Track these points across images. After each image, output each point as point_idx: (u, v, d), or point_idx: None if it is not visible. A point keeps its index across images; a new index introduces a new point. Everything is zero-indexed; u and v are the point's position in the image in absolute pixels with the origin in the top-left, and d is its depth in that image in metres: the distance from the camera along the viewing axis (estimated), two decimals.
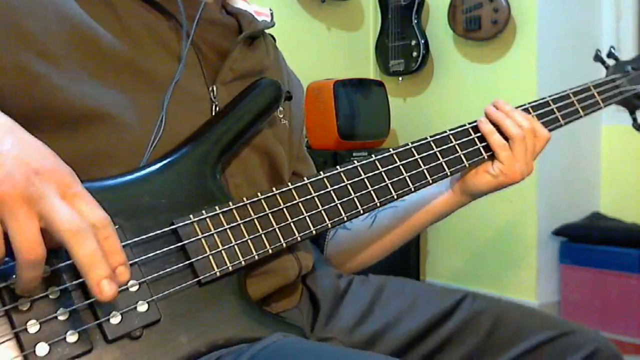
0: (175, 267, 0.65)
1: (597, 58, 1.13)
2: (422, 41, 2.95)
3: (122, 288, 0.61)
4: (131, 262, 0.62)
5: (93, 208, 0.53)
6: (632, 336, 2.45)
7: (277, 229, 0.71)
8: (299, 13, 2.99)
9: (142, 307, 0.61)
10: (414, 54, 2.97)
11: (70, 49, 0.68)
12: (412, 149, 0.83)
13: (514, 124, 0.89)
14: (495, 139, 0.89)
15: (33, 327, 0.56)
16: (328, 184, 0.76)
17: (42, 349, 0.55)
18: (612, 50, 1.14)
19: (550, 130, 0.93)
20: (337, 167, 0.78)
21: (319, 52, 3.05)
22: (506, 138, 0.89)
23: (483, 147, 0.89)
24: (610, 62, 1.13)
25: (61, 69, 0.67)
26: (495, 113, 0.90)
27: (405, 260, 2.79)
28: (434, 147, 0.85)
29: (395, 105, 3.05)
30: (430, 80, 3.07)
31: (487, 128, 0.89)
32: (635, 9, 2.77)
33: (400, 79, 3.08)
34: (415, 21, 2.95)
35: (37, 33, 0.67)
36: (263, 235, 0.70)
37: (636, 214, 2.66)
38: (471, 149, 0.88)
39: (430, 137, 0.86)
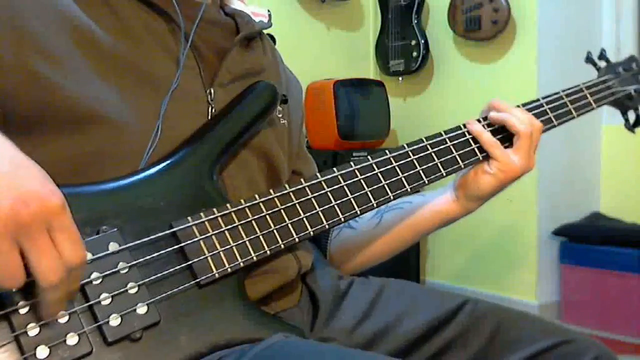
0: (174, 269, 0.65)
1: (589, 60, 1.14)
2: (422, 41, 2.95)
3: (122, 290, 0.61)
4: (130, 264, 0.62)
5: (74, 247, 0.53)
6: (632, 336, 2.45)
7: (275, 231, 0.72)
8: (299, 13, 2.99)
9: (141, 309, 0.62)
10: (414, 54, 2.97)
11: (71, 50, 0.68)
12: (408, 151, 0.84)
13: (520, 121, 0.90)
14: (486, 138, 0.89)
15: (33, 330, 0.56)
16: (325, 186, 0.77)
17: (42, 351, 0.56)
18: (603, 52, 1.15)
19: (543, 131, 0.94)
20: (334, 169, 0.78)
21: (319, 52, 3.05)
22: (503, 137, 0.90)
23: (477, 147, 0.90)
24: (602, 63, 1.14)
25: (62, 69, 0.67)
26: (498, 115, 0.91)
27: (406, 260, 2.79)
28: (429, 148, 0.86)
29: (395, 105, 3.05)
30: (430, 80, 3.07)
31: (476, 129, 0.90)
32: (635, 10, 2.77)
33: (400, 79, 3.09)
34: (415, 21, 2.96)
35: (39, 34, 0.67)
36: (261, 237, 0.71)
37: (636, 214, 2.66)
38: (466, 149, 0.89)
39: (426, 138, 0.87)
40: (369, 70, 3.25)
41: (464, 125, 0.91)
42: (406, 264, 2.80)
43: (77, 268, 0.54)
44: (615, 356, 0.83)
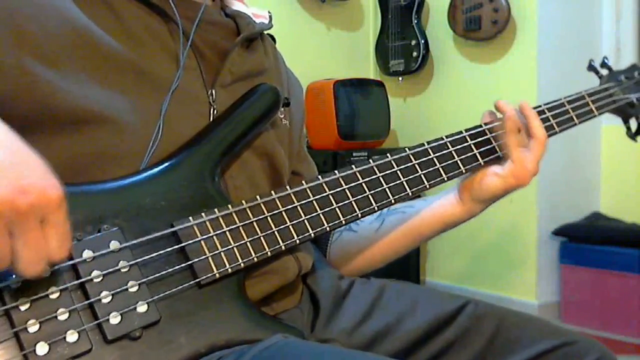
0: (175, 268, 0.65)
1: (591, 68, 1.14)
2: (422, 41, 2.95)
3: (122, 288, 0.61)
4: (131, 263, 0.63)
5: (62, 244, 0.54)
6: (632, 336, 2.45)
7: (276, 232, 0.72)
8: (299, 13, 2.99)
9: (141, 307, 0.62)
10: (414, 54, 2.98)
11: (71, 51, 0.68)
12: (410, 155, 0.84)
13: (541, 125, 0.90)
14: (515, 138, 0.89)
15: (33, 326, 0.56)
16: (326, 188, 0.76)
17: (41, 348, 0.56)
18: (605, 60, 1.15)
19: None
20: (336, 171, 0.78)
21: (319, 52, 3.05)
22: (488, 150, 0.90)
23: (479, 153, 0.89)
24: (604, 71, 1.14)
25: (62, 71, 0.67)
26: (528, 111, 0.91)
27: (406, 260, 2.79)
28: (430, 153, 0.85)
29: (395, 105, 3.06)
30: (430, 80, 3.07)
31: (513, 125, 0.89)
32: (635, 10, 2.78)
33: (400, 79, 3.09)
34: (415, 21, 2.96)
35: (38, 35, 0.67)
36: (262, 238, 0.71)
37: (636, 214, 2.66)
38: (468, 154, 0.88)
39: (427, 143, 0.86)
40: (369, 70, 3.26)
41: (471, 130, 0.90)
42: (406, 264, 2.80)
43: (59, 264, 0.55)
44: (616, 358, 0.83)
